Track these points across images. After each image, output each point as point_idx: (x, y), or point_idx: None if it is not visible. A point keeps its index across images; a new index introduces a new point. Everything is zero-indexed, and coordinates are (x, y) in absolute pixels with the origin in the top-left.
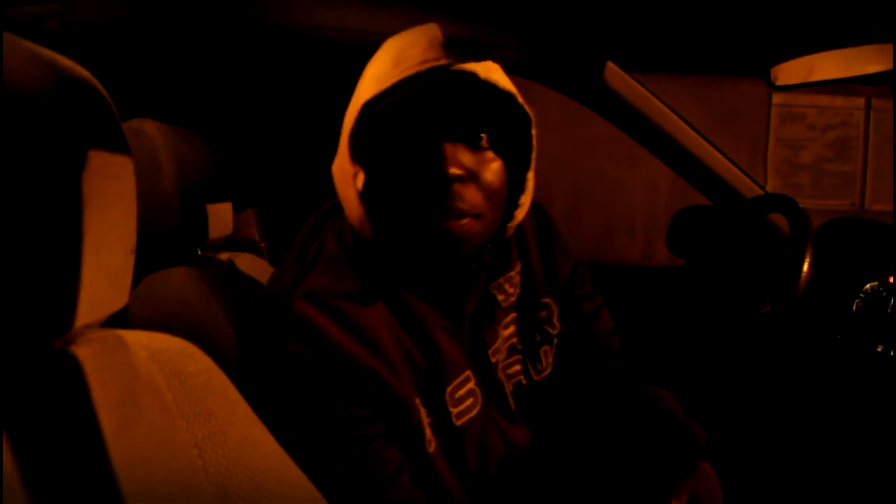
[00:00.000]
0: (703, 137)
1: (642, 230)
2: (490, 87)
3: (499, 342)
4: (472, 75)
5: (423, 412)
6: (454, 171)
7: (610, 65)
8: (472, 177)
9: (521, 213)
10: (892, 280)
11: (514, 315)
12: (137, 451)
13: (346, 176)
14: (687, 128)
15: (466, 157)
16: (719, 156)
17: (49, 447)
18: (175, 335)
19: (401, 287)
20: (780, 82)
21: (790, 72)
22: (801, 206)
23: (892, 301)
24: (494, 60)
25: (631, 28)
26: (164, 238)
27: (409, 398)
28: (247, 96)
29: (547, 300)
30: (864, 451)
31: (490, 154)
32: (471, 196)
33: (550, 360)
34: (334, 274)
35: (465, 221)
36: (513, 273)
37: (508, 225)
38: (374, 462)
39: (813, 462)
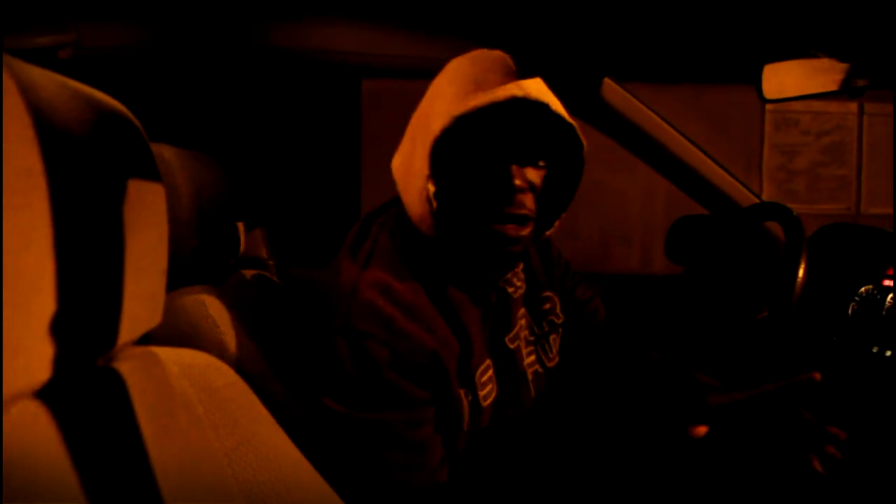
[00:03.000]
0: (699, 148)
1: (640, 239)
2: (552, 116)
3: (516, 330)
4: (544, 106)
5: (461, 392)
6: (519, 183)
7: (607, 81)
8: (531, 188)
9: (557, 223)
10: (885, 283)
11: (523, 310)
12: (174, 460)
13: (418, 177)
14: (683, 139)
15: (529, 172)
16: (715, 166)
17: (102, 457)
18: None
19: (444, 277)
20: (769, 96)
21: (779, 84)
22: (795, 213)
23: (886, 304)
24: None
25: (623, 38)
26: (182, 259)
27: (454, 380)
28: (255, 119)
29: (549, 293)
30: (860, 449)
31: (544, 171)
32: (528, 203)
33: (557, 348)
34: (390, 266)
35: (522, 227)
36: (518, 270)
37: (546, 232)
38: (425, 447)
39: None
